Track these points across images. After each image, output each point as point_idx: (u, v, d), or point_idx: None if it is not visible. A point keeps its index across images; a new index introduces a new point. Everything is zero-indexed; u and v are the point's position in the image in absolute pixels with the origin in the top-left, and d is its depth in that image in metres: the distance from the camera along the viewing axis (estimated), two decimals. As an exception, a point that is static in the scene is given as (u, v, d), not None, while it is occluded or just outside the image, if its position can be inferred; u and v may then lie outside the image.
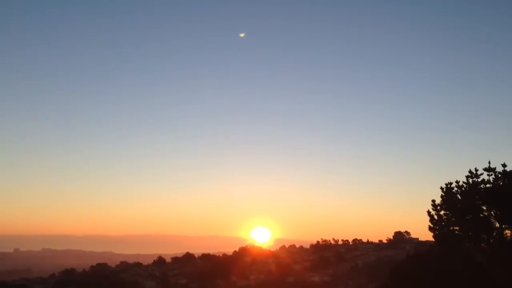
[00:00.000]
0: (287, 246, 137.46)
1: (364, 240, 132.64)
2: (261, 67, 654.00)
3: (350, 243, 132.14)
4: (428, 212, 21.67)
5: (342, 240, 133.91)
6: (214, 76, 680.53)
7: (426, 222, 22.86)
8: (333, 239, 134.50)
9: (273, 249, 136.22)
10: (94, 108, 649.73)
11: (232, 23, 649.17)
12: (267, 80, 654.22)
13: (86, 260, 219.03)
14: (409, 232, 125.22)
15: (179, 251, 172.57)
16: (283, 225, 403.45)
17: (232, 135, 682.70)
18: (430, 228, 22.16)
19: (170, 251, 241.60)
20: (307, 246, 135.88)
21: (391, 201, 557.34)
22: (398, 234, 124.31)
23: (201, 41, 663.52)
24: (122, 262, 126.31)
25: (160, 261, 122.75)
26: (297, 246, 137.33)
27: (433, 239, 23.13)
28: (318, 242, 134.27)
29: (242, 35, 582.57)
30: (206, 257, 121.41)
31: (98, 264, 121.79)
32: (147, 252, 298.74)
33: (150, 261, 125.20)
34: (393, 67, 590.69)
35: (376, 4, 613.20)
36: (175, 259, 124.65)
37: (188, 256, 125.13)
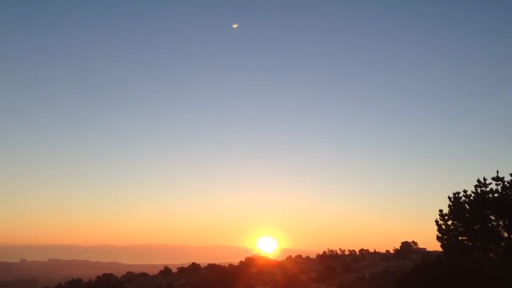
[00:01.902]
0: (293, 256, 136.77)
1: (371, 250, 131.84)
2: (271, 75, 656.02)
3: (357, 253, 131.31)
4: (436, 222, 21.55)
5: (349, 250, 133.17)
6: (219, 83, 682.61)
7: (433, 231, 22.70)
8: (340, 249, 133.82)
9: (279, 259, 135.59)
10: (100, 117, 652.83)
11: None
12: (276, 89, 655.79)
13: (92, 270, 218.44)
14: (417, 242, 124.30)
15: (185, 261, 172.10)
16: (289, 235, 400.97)
17: (239, 144, 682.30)
18: (438, 238, 22.00)
19: (176, 261, 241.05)
20: (313, 256, 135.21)
21: (398, 211, 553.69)
22: (405, 244, 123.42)
23: (211, 47, 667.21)
24: (128, 273, 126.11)
25: (166, 271, 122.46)
26: (304, 256, 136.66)
27: (441, 249, 22.94)
28: (324, 252, 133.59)
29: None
30: (212, 267, 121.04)
31: (104, 274, 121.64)
32: (153, 262, 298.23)
33: (156, 271, 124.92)
34: (402, 72, 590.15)
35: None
36: (181, 269, 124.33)
37: (194, 266, 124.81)
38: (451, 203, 21.47)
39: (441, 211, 21.61)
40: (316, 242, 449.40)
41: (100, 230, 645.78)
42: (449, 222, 21.25)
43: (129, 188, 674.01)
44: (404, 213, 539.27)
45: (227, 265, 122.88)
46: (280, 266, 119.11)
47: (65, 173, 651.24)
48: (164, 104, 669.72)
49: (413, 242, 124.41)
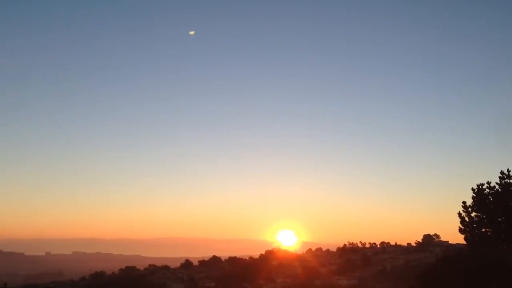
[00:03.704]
0: (313, 249, 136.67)
1: (392, 243, 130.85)
2: (286, 68, 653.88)
3: (378, 246, 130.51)
4: (459, 214, 21.26)
5: (370, 243, 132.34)
6: (242, 76, 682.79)
7: (456, 224, 22.38)
8: (360, 242, 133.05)
9: (299, 252, 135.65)
10: (118, 110, 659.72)
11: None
12: (294, 81, 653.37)
13: (115, 263, 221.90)
14: (439, 235, 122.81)
15: (206, 254, 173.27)
16: (309, 228, 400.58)
17: (258, 137, 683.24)
18: (461, 230, 21.73)
19: (196, 254, 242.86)
20: (333, 249, 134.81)
21: (420, 203, 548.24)
22: (427, 237, 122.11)
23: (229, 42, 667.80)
24: (150, 265, 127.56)
25: (187, 264, 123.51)
26: (324, 249, 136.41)
27: (464, 242, 22.62)
28: (344, 245, 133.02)
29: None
30: (232, 260, 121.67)
31: (127, 267, 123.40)
32: (174, 255, 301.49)
33: (177, 264, 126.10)
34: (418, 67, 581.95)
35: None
36: (202, 262, 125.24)
37: (215, 259, 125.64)
38: (474, 195, 21.17)
39: (464, 203, 21.33)
40: (336, 235, 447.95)
41: (123, 223, 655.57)
42: (473, 214, 20.97)
43: (151, 182, 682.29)
44: (426, 206, 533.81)
45: (247, 258, 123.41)
46: (300, 259, 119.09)
47: (89, 168, 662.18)
48: (187, 97, 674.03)
49: (435, 234, 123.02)
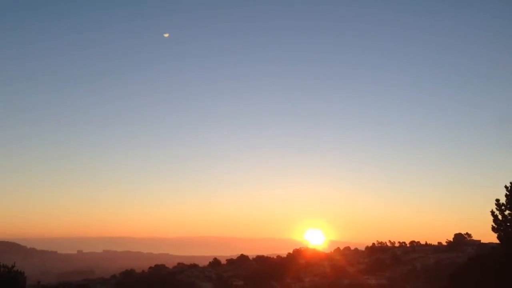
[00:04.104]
0: (341, 248, 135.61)
1: (422, 242, 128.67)
2: (330, 69, 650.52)
3: (407, 245, 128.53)
4: (492, 212, 20.74)
5: (399, 242, 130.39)
6: (277, 75, 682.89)
7: (489, 222, 21.83)
8: (389, 241, 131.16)
9: (327, 251, 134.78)
10: (143, 110, 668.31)
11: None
12: (323, 82, 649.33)
13: (145, 261, 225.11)
14: (470, 234, 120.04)
15: (233, 253, 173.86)
16: (337, 227, 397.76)
17: (286, 136, 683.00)
18: (494, 229, 21.17)
19: (224, 253, 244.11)
20: (362, 248, 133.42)
21: (451, 201, 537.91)
22: (458, 236, 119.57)
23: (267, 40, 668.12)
24: (179, 264, 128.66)
25: (215, 262, 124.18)
26: (352, 248, 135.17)
27: (496, 240, 22.04)
28: (373, 244, 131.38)
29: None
30: (260, 259, 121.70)
31: (156, 265, 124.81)
32: (202, 254, 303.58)
33: (206, 263, 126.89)
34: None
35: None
36: (230, 261, 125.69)
37: (243, 258, 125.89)
38: (508, 193, 20.62)
39: (497, 200, 20.80)
40: (364, 234, 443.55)
41: (152, 222, 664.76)
42: (506, 212, 20.41)
43: (180, 181, 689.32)
44: (457, 204, 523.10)
45: (275, 257, 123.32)
46: (328, 258, 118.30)
47: (120, 169, 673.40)
48: (217, 96, 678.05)
49: (467, 233, 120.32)
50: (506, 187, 20.72)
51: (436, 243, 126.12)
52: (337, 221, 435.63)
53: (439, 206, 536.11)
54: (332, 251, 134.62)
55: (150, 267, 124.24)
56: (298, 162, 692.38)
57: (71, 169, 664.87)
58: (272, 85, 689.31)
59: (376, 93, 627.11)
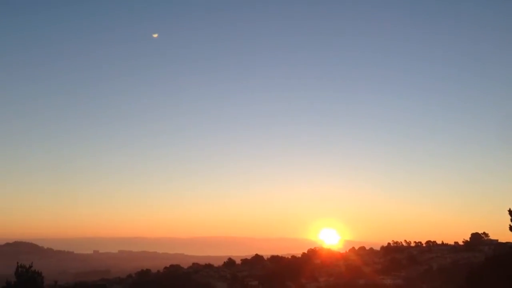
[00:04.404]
0: (356, 248, 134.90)
1: (439, 242, 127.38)
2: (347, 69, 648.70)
3: (423, 245, 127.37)
4: (510, 211, 20.41)
5: (415, 242, 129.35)
6: (292, 75, 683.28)
7: (506, 222, 21.53)
8: (405, 241, 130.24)
9: (342, 251, 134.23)
10: (157, 110, 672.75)
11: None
12: (335, 81, 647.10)
13: (160, 261, 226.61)
14: (488, 234, 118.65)
15: (248, 253, 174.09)
16: (352, 227, 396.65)
17: (301, 136, 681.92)
18: (511, 228, 20.87)
19: (239, 253, 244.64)
20: (377, 248, 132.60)
21: (468, 201, 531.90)
22: (475, 236, 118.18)
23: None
24: (194, 264, 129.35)
25: (230, 262, 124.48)
26: (367, 248, 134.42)
27: (514, 240, 21.77)
28: (389, 244, 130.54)
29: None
30: (275, 259, 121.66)
31: (172, 266, 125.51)
32: (217, 254, 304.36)
33: (220, 263, 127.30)
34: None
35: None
36: (245, 261, 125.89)
37: (257, 258, 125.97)
38: (525, 192, 20.32)
39: (514, 200, 20.51)
40: (379, 234, 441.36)
41: (167, 223, 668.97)
42: (523, 212, 20.09)
43: (195, 182, 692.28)
44: (474, 203, 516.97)
45: (290, 257, 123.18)
46: (343, 258, 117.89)
47: (135, 171, 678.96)
48: (228, 97, 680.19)
49: (484, 233, 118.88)
50: (523, 186, 20.36)
51: (452, 243, 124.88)
52: (352, 221, 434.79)
53: (456, 206, 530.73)
54: (347, 251, 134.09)
55: (166, 267, 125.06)
56: (313, 162, 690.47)
57: (87, 171, 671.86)
58: (290, 85, 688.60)
59: (391, 93, 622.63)
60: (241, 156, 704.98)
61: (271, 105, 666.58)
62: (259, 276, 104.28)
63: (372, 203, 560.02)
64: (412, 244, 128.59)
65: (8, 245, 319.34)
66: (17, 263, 33.06)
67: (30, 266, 32.58)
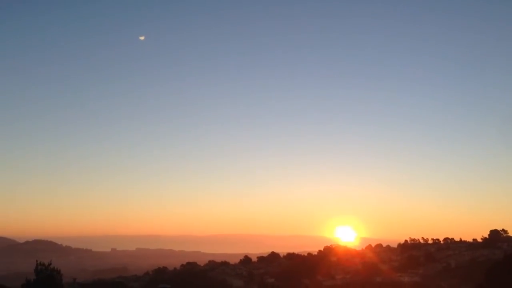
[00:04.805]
0: (373, 245, 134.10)
1: (457, 239, 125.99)
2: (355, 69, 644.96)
3: (441, 242, 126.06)
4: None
5: (432, 239, 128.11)
6: (307, 74, 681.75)
7: (525, 218, 21.13)
8: (422, 238, 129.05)
9: (358, 249, 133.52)
10: (174, 109, 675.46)
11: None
12: (352, 80, 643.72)
13: (177, 259, 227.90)
14: (507, 230, 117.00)
15: (264, 251, 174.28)
16: (368, 224, 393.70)
17: (317, 134, 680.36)
18: (531, 225, 20.52)
19: (255, 251, 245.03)
20: (394, 245, 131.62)
21: (486, 197, 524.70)
22: (494, 233, 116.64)
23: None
24: (210, 261, 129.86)
25: (246, 260, 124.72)
26: (384, 245, 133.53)
27: (534, 237, 21.35)
28: (406, 241, 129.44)
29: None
30: (291, 256, 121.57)
31: (188, 263, 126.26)
32: (233, 251, 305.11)
33: (237, 260, 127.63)
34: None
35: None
36: (261, 258, 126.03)
37: (273, 255, 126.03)
38: (545, 188, 19.92)
39: (534, 196, 20.12)
40: (396, 231, 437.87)
41: (184, 221, 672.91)
42: (544, 208, 19.70)
43: (211, 180, 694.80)
44: (492, 200, 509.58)
45: (305, 254, 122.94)
46: (360, 255, 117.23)
47: (152, 170, 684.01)
48: (243, 94, 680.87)
49: (503, 230, 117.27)
50: (543, 182, 19.96)
51: (471, 240, 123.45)
52: (368, 218, 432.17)
53: (475, 202, 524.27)
54: (364, 248, 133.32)
55: (182, 265, 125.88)
56: (329, 160, 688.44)
57: (105, 170, 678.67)
58: (306, 83, 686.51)
59: (407, 91, 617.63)
60: (257, 154, 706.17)
61: (288, 104, 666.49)
62: (275, 273, 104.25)
63: (389, 200, 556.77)
64: (430, 241, 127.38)
65: (27, 243, 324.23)
66: (37, 260, 33.52)
67: (49, 264, 32.99)
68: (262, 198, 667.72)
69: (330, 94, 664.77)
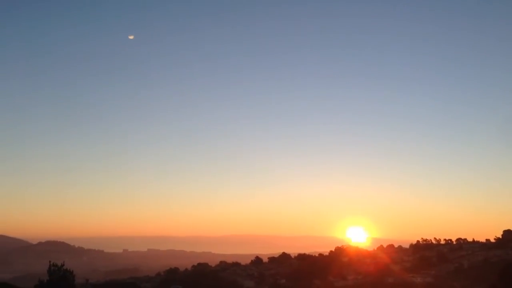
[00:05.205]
0: (384, 245, 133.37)
1: (469, 239, 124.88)
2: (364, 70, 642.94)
3: (454, 242, 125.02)
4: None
5: (445, 239, 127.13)
6: (312, 75, 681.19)
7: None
8: (435, 238, 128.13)
9: (370, 249, 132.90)
10: (184, 110, 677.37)
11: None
12: (361, 80, 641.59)
13: (188, 259, 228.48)
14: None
15: (275, 251, 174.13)
16: (380, 225, 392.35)
17: (327, 135, 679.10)
18: (546, 225, 20.25)
19: (266, 251, 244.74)
20: (406, 246, 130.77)
21: (499, 197, 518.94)
22: (507, 233, 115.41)
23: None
24: (221, 262, 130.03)
25: (257, 261, 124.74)
26: (395, 245, 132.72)
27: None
28: (418, 241, 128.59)
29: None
30: (302, 257, 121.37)
31: (199, 264, 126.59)
32: (244, 252, 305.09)
33: (248, 261, 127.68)
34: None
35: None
36: (272, 259, 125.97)
37: (284, 256, 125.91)
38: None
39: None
40: (408, 231, 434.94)
41: (194, 222, 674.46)
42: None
43: (221, 181, 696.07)
44: (505, 200, 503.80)
45: (316, 255, 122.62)
46: (371, 256, 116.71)
47: (163, 172, 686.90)
48: (254, 95, 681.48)
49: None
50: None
51: (484, 240, 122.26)
52: (380, 219, 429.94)
53: (487, 202, 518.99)
54: (375, 249, 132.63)
55: (193, 265, 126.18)
56: (340, 161, 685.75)
57: (117, 172, 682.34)
58: (311, 83, 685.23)
59: (417, 92, 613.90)
60: (268, 155, 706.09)
61: (299, 104, 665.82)
62: (286, 274, 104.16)
63: (400, 200, 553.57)
64: (442, 242, 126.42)
65: (40, 244, 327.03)
66: (50, 261, 33.75)
67: (62, 265, 33.23)
68: (273, 199, 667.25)
69: (336, 94, 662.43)
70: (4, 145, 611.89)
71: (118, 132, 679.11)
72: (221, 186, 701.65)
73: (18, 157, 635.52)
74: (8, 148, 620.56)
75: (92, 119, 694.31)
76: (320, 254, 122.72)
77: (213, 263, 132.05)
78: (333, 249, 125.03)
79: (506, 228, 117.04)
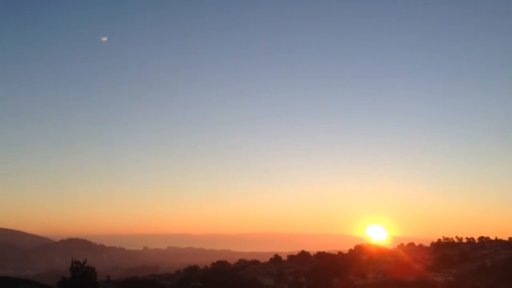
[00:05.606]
0: (405, 244, 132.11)
1: (492, 237, 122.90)
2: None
3: (476, 241, 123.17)
4: None
5: (467, 238, 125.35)
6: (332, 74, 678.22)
7: None
8: (456, 237, 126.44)
9: (390, 247, 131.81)
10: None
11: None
12: (382, 80, 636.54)
13: (207, 257, 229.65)
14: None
15: (294, 249, 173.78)
16: (400, 223, 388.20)
17: (350, 133, 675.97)
18: None
19: (285, 249, 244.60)
20: (427, 244, 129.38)
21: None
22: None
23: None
24: (240, 260, 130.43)
25: (276, 259, 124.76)
26: (416, 244, 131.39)
27: None
28: (439, 240, 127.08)
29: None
30: (321, 255, 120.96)
31: (219, 262, 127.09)
32: (263, 250, 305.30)
33: (267, 259, 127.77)
34: None
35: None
36: (291, 257, 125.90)
37: (304, 254, 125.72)
38: None
39: None
40: (428, 229, 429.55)
41: (214, 220, 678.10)
42: None
43: (242, 180, 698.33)
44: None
45: (336, 253, 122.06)
46: (392, 254, 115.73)
47: (183, 171, 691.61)
48: (277, 93, 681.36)
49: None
50: None
51: (507, 239, 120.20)
52: (400, 217, 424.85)
53: (510, 200, 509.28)
54: (396, 247, 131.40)
55: (213, 263, 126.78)
56: (359, 159, 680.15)
57: (137, 171, 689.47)
58: (336, 82, 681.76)
59: (440, 93, 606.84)
60: (289, 153, 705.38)
61: (317, 104, 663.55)
62: (305, 272, 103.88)
63: (421, 198, 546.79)
64: (464, 240, 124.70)
65: (62, 241, 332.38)
66: (72, 259, 34.08)
67: (84, 262, 33.56)
68: (292, 197, 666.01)
69: (359, 94, 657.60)
70: (28, 145, 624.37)
71: (139, 132, 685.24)
72: (240, 184, 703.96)
73: (41, 156, 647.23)
74: (31, 148, 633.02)
75: (112, 117, 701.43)
76: (340, 252, 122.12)
77: (232, 261, 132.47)
78: (352, 247, 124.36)
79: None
